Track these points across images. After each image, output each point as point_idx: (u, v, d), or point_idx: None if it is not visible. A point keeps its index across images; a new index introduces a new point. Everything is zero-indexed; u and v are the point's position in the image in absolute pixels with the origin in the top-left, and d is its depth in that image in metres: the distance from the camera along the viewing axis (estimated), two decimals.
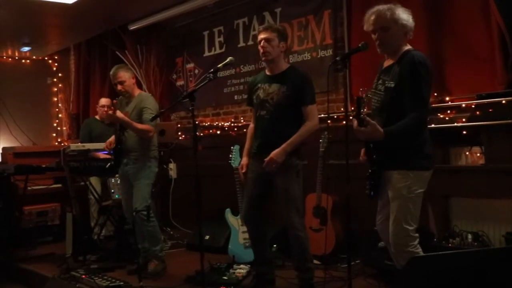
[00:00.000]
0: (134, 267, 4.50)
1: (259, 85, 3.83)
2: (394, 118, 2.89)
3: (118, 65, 4.69)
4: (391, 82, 2.96)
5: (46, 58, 9.08)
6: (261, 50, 3.71)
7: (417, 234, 2.97)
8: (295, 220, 3.69)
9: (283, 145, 3.62)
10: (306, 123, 3.68)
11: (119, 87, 4.54)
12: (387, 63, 3.10)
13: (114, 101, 4.42)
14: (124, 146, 4.48)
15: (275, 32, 3.69)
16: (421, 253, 2.95)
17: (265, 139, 3.76)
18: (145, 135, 4.44)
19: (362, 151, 3.18)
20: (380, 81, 3.08)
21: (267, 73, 3.84)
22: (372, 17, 3.03)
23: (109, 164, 4.57)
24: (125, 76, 4.54)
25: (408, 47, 3.03)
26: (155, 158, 4.58)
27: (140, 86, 6.74)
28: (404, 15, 2.99)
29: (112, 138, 4.58)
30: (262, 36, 3.72)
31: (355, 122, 2.87)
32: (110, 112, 4.29)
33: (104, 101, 6.15)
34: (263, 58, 3.75)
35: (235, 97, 6.02)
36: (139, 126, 4.38)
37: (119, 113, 4.27)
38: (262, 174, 3.77)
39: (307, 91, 3.67)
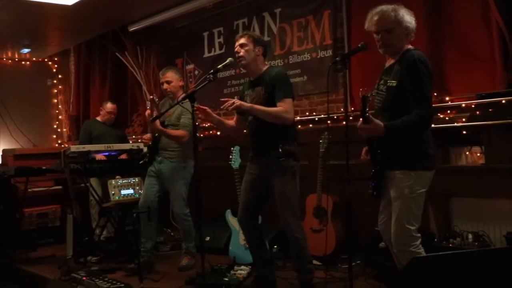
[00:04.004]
0: (131, 266, 4.56)
1: (246, 92, 3.92)
2: (397, 117, 2.88)
3: (168, 66, 4.96)
4: (393, 81, 2.96)
5: (46, 60, 9.08)
6: (237, 56, 3.79)
7: (419, 234, 2.96)
8: (291, 222, 3.70)
9: (254, 105, 3.65)
10: (279, 107, 3.65)
11: (165, 85, 4.70)
12: (388, 63, 3.11)
13: (151, 96, 4.48)
14: (159, 145, 4.63)
15: (249, 38, 3.78)
16: (423, 253, 2.94)
17: (258, 143, 3.81)
18: (179, 141, 4.56)
19: (364, 150, 3.18)
20: (381, 81, 3.08)
21: (250, 79, 3.91)
22: (375, 18, 3.02)
23: (142, 161, 4.69)
24: (173, 77, 4.71)
25: (408, 46, 3.03)
26: (190, 158, 4.67)
27: (140, 88, 6.77)
28: (408, 16, 2.99)
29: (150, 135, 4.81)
30: (237, 42, 3.82)
31: (360, 121, 2.87)
32: (148, 111, 4.40)
33: (110, 107, 6.16)
34: (239, 63, 3.83)
35: (235, 97, 6.01)
36: (173, 133, 4.52)
37: (156, 123, 4.37)
38: (260, 177, 3.80)
39: (277, 88, 3.68)
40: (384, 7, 3.02)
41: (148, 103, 4.50)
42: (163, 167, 4.63)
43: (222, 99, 3.66)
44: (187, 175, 4.65)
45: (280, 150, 3.66)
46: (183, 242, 4.79)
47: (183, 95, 4.82)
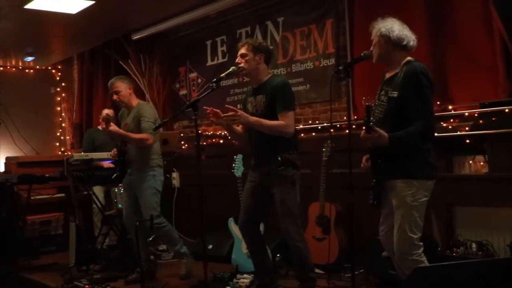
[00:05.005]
0: (133, 276, 4.54)
1: (248, 99, 3.93)
2: (398, 128, 2.90)
3: (116, 76, 4.81)
4: (394, 92, 2.98)
5: (49, 68, 9.12)
6: (238, 66, 3.80)
7: (421, 243, 2.97)
8: (291, 230, 3.70)
9: (253, 117, 3.68)
10: (280, 121, 3.67)
11: (115, 96, 4.62)
12: (389, 74, 3.12)
13: (105, 113, 4.47)
14: (127, 157, 4.58)
15: (249, 46, 3.79)
16: (426, 262, 2.95)
17: (259, 151, 3.81)
18: (142, 144, 4.49)
19: (364, 158, 3.18)
20: (382, 92, 3.09)
21: (253, 86, 3.92)
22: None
23: (115, 175, 4.68)
24: (120, 86, 4.61)
25: (408, 58, 3.05)
26: (158, 166, 4.62)
27: (143, 96, 6.78)
28: (398, 30, 3.01)
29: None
30: (238, 52, 3.83)
31: (363, 130, 2.88)
32: (104, 126, 4.40)
33: (106, 112, 6.15)
34: (240, 73, 3.85)
35: (238, 106, 6.00)
36: (135, 136, 4.46)
37: (113, 127, 4.37)
38: (260, 185, 3.81)
39: (279, 98, 3.68)
40: (378, 19, 3.09)
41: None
42: (133, 179, 4.59)
43: (225, 113, 3.63)
44: (156, 183, 4.57)
45: (280, 159, 3.67)
46: (171, 249, 4.74)
47: (139, 101, 4.80)
